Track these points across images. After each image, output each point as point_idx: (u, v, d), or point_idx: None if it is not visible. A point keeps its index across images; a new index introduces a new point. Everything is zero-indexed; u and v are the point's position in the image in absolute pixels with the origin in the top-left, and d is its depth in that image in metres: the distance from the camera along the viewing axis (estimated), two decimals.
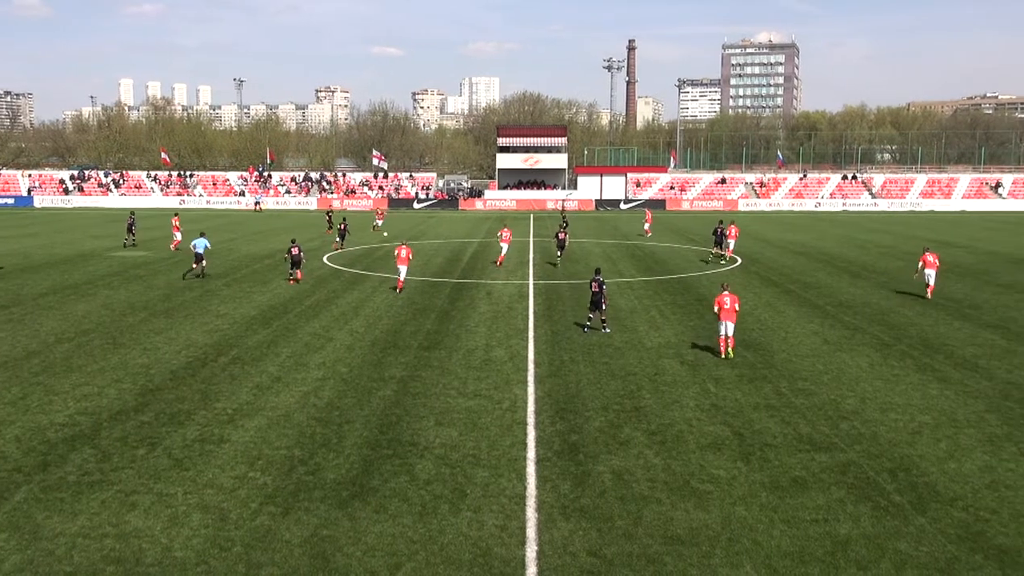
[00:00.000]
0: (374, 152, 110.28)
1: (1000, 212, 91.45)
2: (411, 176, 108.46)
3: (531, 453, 14.80)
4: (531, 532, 11.73)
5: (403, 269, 32.60)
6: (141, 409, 17.27)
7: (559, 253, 42.80)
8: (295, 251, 34.73)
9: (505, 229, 43.26)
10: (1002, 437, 15.72)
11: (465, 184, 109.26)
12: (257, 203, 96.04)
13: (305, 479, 13.56)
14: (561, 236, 43.33)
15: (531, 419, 16.72)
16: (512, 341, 23.80)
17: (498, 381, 19.56)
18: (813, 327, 25.86)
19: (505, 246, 41.69)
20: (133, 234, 51.42)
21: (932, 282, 31.23)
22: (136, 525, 11.89)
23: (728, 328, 21.87)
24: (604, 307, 24.92)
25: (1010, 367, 20.89)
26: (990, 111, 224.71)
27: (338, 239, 48.94)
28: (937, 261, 31.71)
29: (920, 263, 32.13)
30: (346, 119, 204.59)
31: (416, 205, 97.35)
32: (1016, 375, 20.12)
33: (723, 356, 21.71)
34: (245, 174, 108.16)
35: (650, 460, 14.49)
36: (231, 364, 21.05)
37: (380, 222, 63.67)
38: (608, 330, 24.84)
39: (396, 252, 33.39)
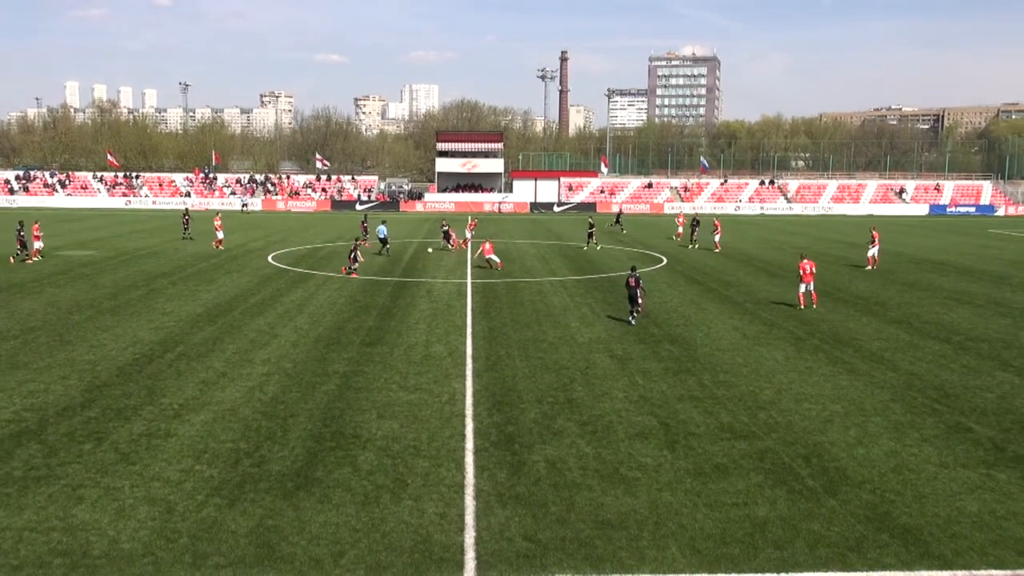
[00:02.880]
0: (317, 155, 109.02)
1: (903, 216, 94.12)
2: (353, 179, 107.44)
3: (469, 444, 14.79)
4: (469, 519, 11.72)
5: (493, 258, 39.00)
6: (88, 405, 16.81)
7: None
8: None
9: (486, 243, 41.24)
10: (906, 424, 16.19)
11: (406, 187, 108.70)
12: (244, 205, 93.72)
13: (250, 471, 13.35)
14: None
15: (469, 411, 16.71)
16: (451, 337, 23.75)
17: (438, 375, 19.50)
18: (733, 323, 26.31)
19: (493, 256, 39.61)
20: (188, 227, 54.28)
21: (812, 289, 28.95)
22: (83, 518, 11.57)
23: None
24: (640, 301, 25.60)
25: (913, 359, 21.52)
26: (895, 122, 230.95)
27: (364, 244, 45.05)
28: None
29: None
30: (290, 123, 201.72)
31: (358, 207, 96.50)
32: (918, 367, 20.73)
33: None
34: (191, 175, 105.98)
35: (582, 449, 14.59)
36: (177, 360, 20.61)
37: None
38: (634, 322, 25.46)
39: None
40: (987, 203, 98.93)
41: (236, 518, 11.63)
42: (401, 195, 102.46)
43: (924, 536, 11.34)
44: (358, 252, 37.20)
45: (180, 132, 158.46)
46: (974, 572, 10.42)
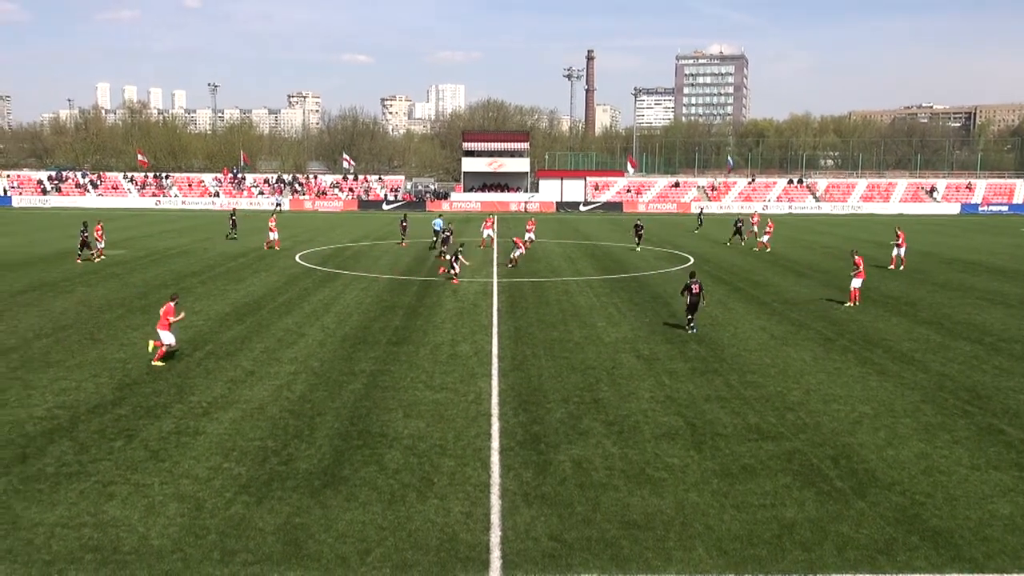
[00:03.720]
0: (344, 155, 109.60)
1: (934, 215, 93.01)
2: (380, 179, 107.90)
3: (495, 443, 14.81)
4: (495, 518, 11.74)
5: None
6: (118, 402, 17.02)
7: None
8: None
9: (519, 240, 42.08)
10: (936, 426, 16.00)
11: (432, 186, 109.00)
12: (278, 204, 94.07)
13: (278, 469, 13.45)
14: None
15: (495, 411, 16.73)
16: (477, 337, 23.78)
17: (464, 375, 19.53)
18: (761, 323, 26.12)
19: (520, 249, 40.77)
20: (235, 227, 55.18)
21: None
22: (113, 514, 11.72)
23: (857, 284, 28.70)
24: (700, 308, 24.40)
25: (944, 360, 21.27)
26: (925, 120, 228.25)
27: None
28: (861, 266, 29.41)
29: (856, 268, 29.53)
30: (317, 123, 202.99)
31: (385, 206, 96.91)
32: (949, 368, 20.49)
33: (852, 304, 28.14)
34: (219, 176, 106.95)
35: (608, 449, 14.56)
36: (206, 359, 20.80)
37: (531, 234, 50.63)
38: (695, 330, 24.24)
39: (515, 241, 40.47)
40: (1020, 202, 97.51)
41: (264, 515, 11.72)
42: (427, 195, 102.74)
43: (955, 539, 11.21)
44: (460, 256, 35.74)
45: (209, 132, 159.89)
46: None
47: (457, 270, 35.14)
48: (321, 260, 42.56)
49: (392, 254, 45.38)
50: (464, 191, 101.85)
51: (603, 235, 60.07)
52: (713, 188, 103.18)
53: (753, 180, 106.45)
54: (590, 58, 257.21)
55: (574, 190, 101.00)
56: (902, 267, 39.81)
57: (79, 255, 41.02)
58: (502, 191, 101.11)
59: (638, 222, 52.60)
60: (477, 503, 12.25)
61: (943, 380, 19.36)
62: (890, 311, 28.38)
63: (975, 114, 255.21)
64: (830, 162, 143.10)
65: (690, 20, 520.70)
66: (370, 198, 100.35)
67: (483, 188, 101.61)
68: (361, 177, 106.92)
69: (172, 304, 20.77)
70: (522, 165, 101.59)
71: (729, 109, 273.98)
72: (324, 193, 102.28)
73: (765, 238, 49.83)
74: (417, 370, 19.87)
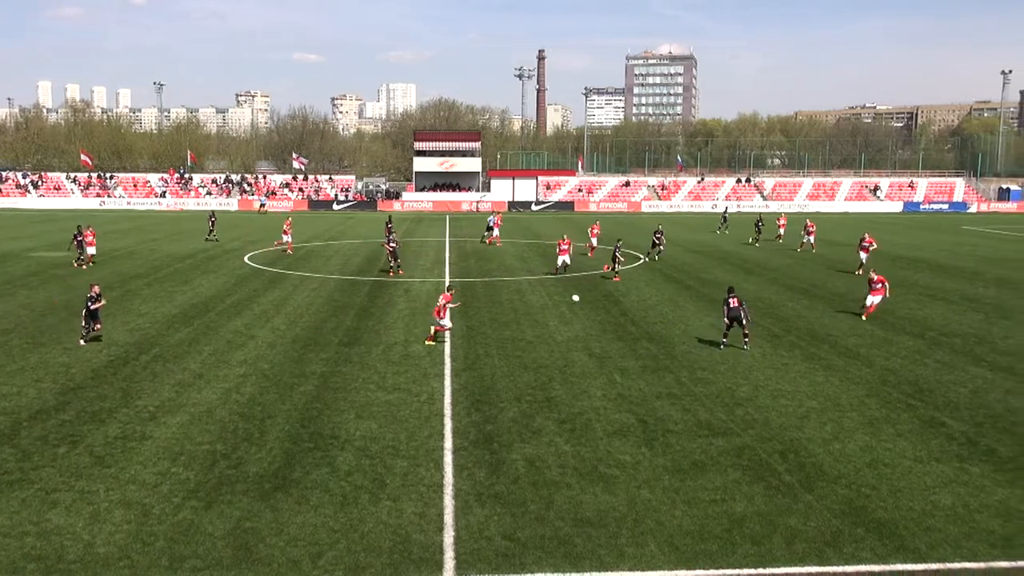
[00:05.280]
0: (294, 155, 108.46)
1: (878, 213, 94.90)
2: (331, 178, 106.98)
3: (448, 443, 14.78)
4: (448, 518, 11.72)
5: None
6: (62, 408, 16.64)
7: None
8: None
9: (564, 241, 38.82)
10: (881, 419, 16.34)
11: (383, 186, 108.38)
12: (262, 205, 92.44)
13: (227, 473, 13.27)
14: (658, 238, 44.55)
15: (448, 411, 16.70)
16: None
17: (416, 375, 19.46)
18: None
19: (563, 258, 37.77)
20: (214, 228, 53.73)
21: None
22: (57, 523, 11.46)
23: (875, 300, 26.57)
24: (747, 321, 22.07)
25: (887, 355, 21.73)
26: (869, 120, 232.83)
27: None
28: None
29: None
30: (266, 123, 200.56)
31: (336, 206, 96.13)
32: (893, 362, 20.94)
33: (864, 317, 26.39)
34: (166, 176, 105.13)
35: (561, 447, 14.62)
36: (152, 362, 20.44)
37: (496, 230, 53.41)
38: (748, 348, 22.13)
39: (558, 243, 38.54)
40: (960, 200, 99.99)
41: (213, 520, 11.56)
42: (379, 194, 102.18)
43: (899, 530, 11.46)
44: (618, 253, 36.65)
45: (155, 132, 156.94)
46: (948, 565, 10.54)
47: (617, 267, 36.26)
48: (270, 261, 42.08)
49: (343, 254, 45.04)
50: (416, 191, 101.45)
51: (555, 234, 60.20)
52: (663, 187, 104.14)
53: (702, 179, 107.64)
54: (541, 58, 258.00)
55: (526, 189, 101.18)
56: (859, 272, 37.92)
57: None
58: (454, 191, 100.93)
59: (660, 227, 46.57)
60: (430, 504, 12.22)
61: (887, 374, 19.78)
62: (835, 307, 28.91)
63: (917, 114, 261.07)
64: (777, 161, 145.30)
65: (640, 20, 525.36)
66: (320, 198, 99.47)
67: (435, 188, 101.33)
68: (311, 177, 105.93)
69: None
70: (474, 165, 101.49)
71: (679, 109, 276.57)
72: (273, 193, 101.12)
73: (811, 239, 48.82)
74: (369, 371, 19.75)
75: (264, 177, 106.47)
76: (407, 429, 15.54)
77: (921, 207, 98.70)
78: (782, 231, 55.52)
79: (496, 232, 53.22)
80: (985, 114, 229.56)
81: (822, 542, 11.11)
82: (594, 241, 45.90)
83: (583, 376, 19.48)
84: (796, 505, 12.25)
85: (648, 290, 32.69)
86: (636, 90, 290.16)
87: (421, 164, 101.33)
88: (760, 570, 10.39)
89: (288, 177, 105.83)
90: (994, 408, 17.12)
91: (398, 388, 18.32)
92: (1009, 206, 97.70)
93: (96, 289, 22.78)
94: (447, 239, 54.64)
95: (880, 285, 26.87)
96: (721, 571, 10.37)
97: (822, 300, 30.50)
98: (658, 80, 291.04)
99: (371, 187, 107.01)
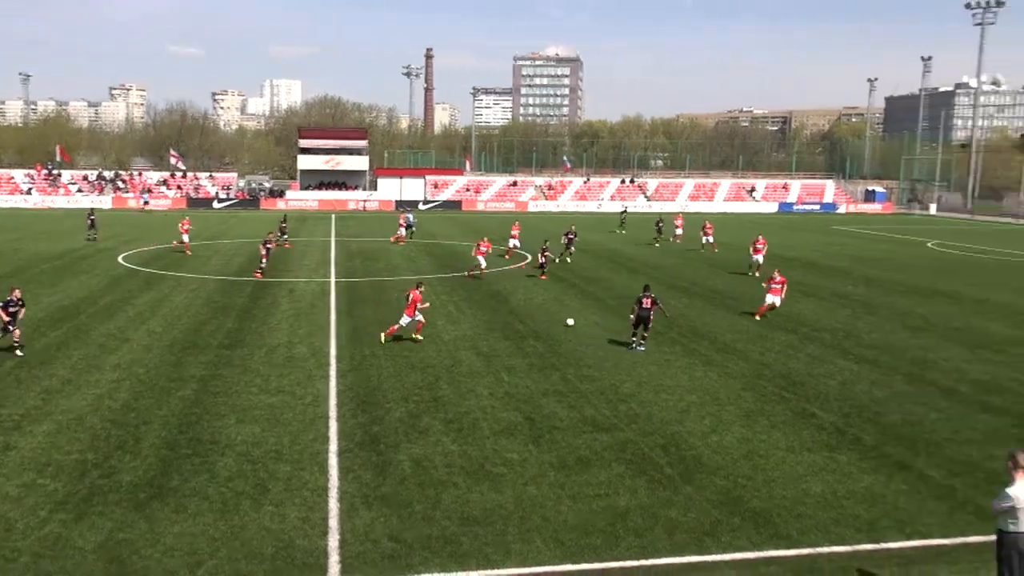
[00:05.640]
0: (171, 151, 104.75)
1: (755, 213, 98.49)
2: (211, 176, 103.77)
3: (333, 446, 14.58)
4: (333, 522, 11.56)
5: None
6: None
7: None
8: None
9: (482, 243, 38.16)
10: (756, 412, 16.99)
11: (267, 184, 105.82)
12: (145, 203, 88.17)
13: (99, 483, 12.72)
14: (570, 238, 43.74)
15: (333, 413, 16.47)
16: (314, 338, 23.32)
17: (300, 377, 19.11)
18: (596, 318, 26.92)
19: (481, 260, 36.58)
20: (93, 227, 50.31)
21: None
22: None
23: (773, 300, 27.06)
24: (650, 325, 22.30)
25: (763, 350, 22.59)
26: (746, 124, 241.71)
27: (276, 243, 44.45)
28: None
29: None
30: (142, 118, 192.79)
31: (216, 205, 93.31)
32: (767, 357, 21.79)
33: (758, 317, 26.83)
34: (32, 172, 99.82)
35: (448, 447, 14.62)
36: (17, 368, 19.39)
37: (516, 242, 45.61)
38: (643, 348, 22.26)
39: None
40: (830, 201, 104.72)
41: (83, 533, 11.06)
42: (262, 193, 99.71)
43: (773, 518, 11.94)
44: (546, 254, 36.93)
45: (20, 125, 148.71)
46: (818, 549, 11.05)
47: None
48: (146, 261, 40.51)
49: (224, 254, 43.77)
50: (301, 189, 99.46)
51: (442, 233, 60.19)
52: (550, 187, 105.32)
53: (588, 180, 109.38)
54: (429, 57, 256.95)
55: (413, 188, 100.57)
56: (756, 274, 37.87)
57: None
58: (340, 189, 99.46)
59: (571, 229, 45.63)
60: (314, 508, 12.02)
61: (762, 368, 20.57)
62: (715, 305, 29.89)
63: (790, 119, 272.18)
64: (660, 162, 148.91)
65: (529, 21, 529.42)
66: (200, 196, 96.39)
67: (320, 186, 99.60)
68: (191, 174, 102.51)
69: None
70: (360, 163, 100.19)
71: (565, 110, 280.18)
72: (150, 191, 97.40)
73: (710, 239, 49.47)
74: (251, 374, 19.28)
75: (140, 174, 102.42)
76: (291, 432, 15.24)
77: (794, 207, 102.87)
78: (679, 231, 56.93)
79: (402, 232, 52.88)
80: (853, 119, 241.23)
81: (701, 532, 11.47)
82: (516, 243, 45.00)
83: (470, 375, 19.53)
84: (677, 497, 12.61)
85: (535, 289, 33.03)
86: (523, 91, 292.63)
87: (306, 162, 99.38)
88: (642, 561, 10.65)
89: (166, 174, 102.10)
90: (860, 399, 18.03)
91: (282, 391, 17.94)
92: (875, 207, 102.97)
93: (17, 293, 21.12)
94: (333, 238, 53.82)
95: (779, 286, 27.53)
96: (605, 564, 10.58)
97: (702, 298, 31.47)
98: (545, 81, 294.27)
99: (254, 185, 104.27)
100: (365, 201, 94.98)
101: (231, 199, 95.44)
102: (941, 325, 26.65)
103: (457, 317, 26.81)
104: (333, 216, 79.14)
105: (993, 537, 9.70)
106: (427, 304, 23.94)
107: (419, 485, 12.90)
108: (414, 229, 54.79)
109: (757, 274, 37.65)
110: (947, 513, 12.23)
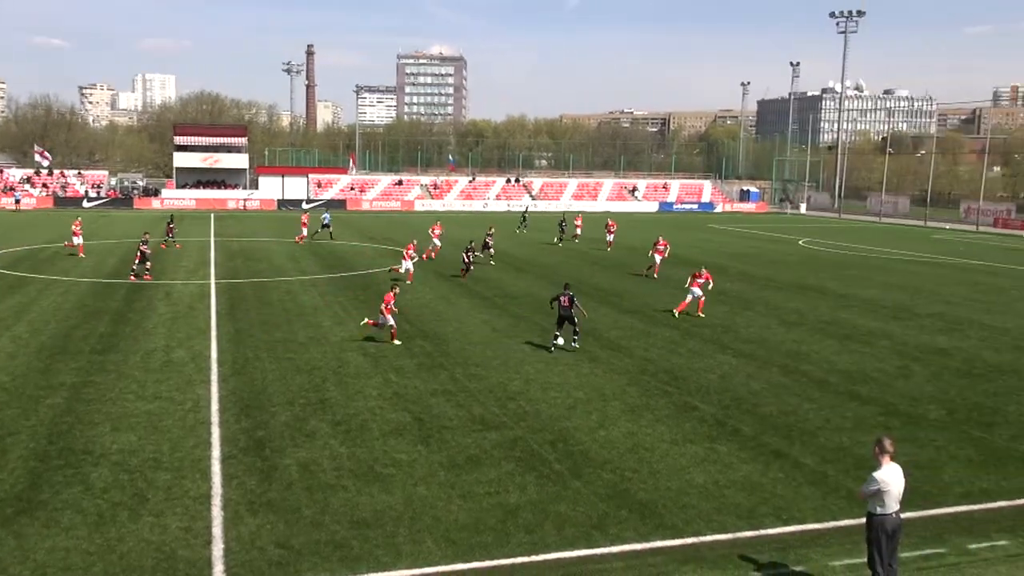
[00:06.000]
0: (36, 148, 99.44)
1: (636, 212, 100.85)
2: (80, 174, 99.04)
3: (216, 452, 14.16)
4: (217, 531, 11.22)
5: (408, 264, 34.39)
6: None
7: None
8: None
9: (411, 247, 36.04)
10: (641, 407, 17.40)
11: (140, 183, 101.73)
12: (17, 201, 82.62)
13: None
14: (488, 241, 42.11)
15: (215, 418, 15.99)
16: (194, 341, 22.58)
17: (180, 382, 18.47)
18: (483, 317, 27.02)
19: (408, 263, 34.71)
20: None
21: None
22: None
23: (696, 292, 27.39)
24: (577, 321, 22.13)
25: (646, 346, 23.15)
26: (627, 124, 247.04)
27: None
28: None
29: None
30: (3, 112, 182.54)
31: (86, 204, 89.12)
32: (651, 352, 22.34)
33: (678, 315, 27.12)
34: None
35: (336, 449, 14.41)
36: None
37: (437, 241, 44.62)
38: (577, 345, 22.15)
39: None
40: (708, 201, 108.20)
41: None
42: (135, 191, 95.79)
43: (658, 509, 12.26)
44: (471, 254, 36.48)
45: None
46: (701, 538, 11.40)
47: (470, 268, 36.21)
48: (10, 263, 38.35)
49: (96, 255, 41.86)
50: (177, 188, 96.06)
51: (326, 233, 59.15)
52: (436, 186, 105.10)
53: (473, 179, 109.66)
54: (310, 53, 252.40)
55: (296, 187, 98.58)
56: (655, 275, 38.12)
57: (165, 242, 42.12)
58: (219, 188, 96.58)
59: (490, 230, 44.10)
60: (197, 517, 11.64)
61: (646, 364, 21.08)
62: (599, 302, 30.44)
63: (669, 120, 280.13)
64: (544, 162, 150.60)
65: (412, 20, 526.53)
66: (68, 195, 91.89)
67: (198, 185, 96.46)
68: (57, 172, 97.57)
69: None
70: (240, 161, 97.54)
71: (450, 109, 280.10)
72: (12, 189, 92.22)
73: (610, 237, 50.33)
74: (127, 380, 18.52)
75: (1, 172, 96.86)
76: (170, 439, 14.72)
77: (674, 207, 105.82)
78: (579, 231, 57.59)
79: (305, 232, 51.89)
80: (728, 122, 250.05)
81: (590, 525, 11.66)
82: (437, 242, 43.75)
83: (358, 376, 19.30)
84: (566, 492, 12.79)
85: (422, 288, 32.89)
86: (408, 89, 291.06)
87: (182, 159, 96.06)
88: (533, 557, 10.75)
89: (30, 172, 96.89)
90: (738, 391, 18.70)
91: (159, 397, 17.30)
92: (749, 206, 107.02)
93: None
94: (212, 239, 52.23)
95: (702, 280, 27.75)
96: (496, 562, 10.63)
97: (586, 295, 31.97)
98: (429, 80, 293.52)
99: (127, 183, 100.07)
100: (246, 200, 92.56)
101: (102, 198, 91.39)
102: (812, 319, 27.91)
103: (344, 318, 26.44)
104: (212, 215, 76.80)
105: (862, 520, 10.23)
106: (395, 309, 23.38)
107: (307, 489, 12.67)
108: (331, 228, 53.60)
109: (655, 275, 37.67)
110: (820, 498, 12.82)
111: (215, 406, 16.77)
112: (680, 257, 46.86)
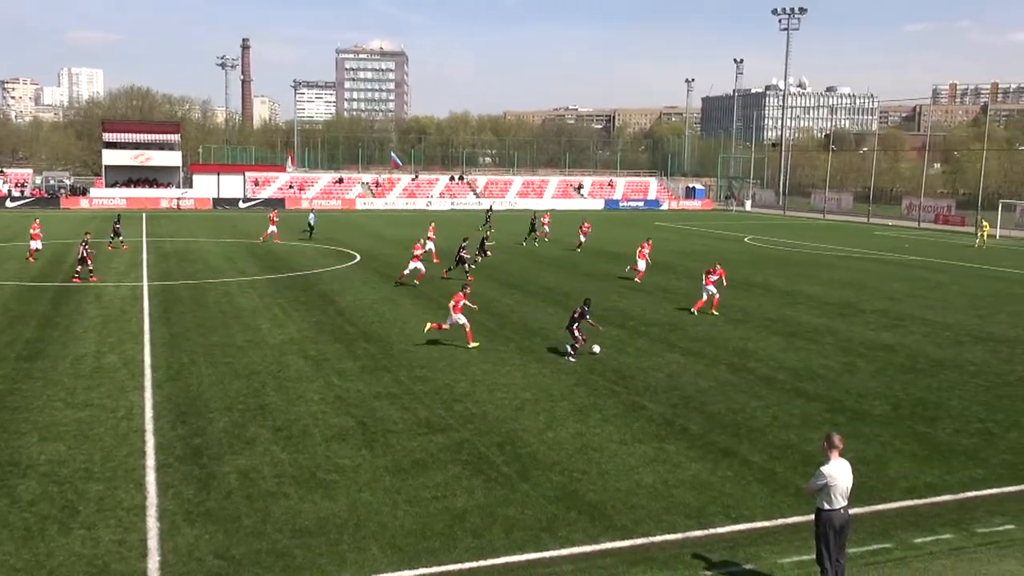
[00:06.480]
0: None
1: (582, 210, 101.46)
2: (2, 172, 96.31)
3: (150, 461, 13.87)
4: (152, 543, 10.99)
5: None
6: None
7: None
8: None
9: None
10: (589, 406, 17.50)
11: (67, 181, 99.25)
12: None
13: None
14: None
15: (149, 426, 15.67)
16: (126, 346, 22.10)
17: (111, 389, 18.06)
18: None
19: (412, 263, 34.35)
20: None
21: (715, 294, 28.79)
22: None
23: (708, 291, 28.03)
24: (578, 335, 21.61)
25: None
26: (572, 121, 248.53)
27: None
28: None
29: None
30: None
31: (9, 203, 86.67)
32: (599, 352, 22.45)
33: (696, 312, 27.85)
34: None
35: (277, 456, 14.22)
36: None
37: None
38: (573, 359, 21.44)
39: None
40: (653, 198, 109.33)
41: None
42: (62, 191, 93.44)
43: (607, 510, 12.33)
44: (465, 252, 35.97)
45: None
46: (651, 539, 11.50)
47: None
48: None
49: (20, 258, 40.71)
50: (106, 186, 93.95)
51: (265, 233, 58.36)
52: (377, 184, 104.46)
53: (416, 176, 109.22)
54: (245, 47, 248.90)
55: (232, 186, 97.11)
56: (630, 270, 37.77)
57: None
58: (151, 187, 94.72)
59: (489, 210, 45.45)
60: (131, 528, 11.39)
61: (594, 363, 21.20)
62: (546, 302, 30.54)
63: (614, 117, 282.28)
64: (488, 159, 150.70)
65: (350, 14, 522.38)
66: None
67: (128, 183, 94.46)
68: None
69: None
70: (173, 159, 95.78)
71: (391, 105, 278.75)
72: None
73: (582, 238, 49.97)
74: (55, 387, 18.04)
75: None
76: (102, 449, 14.38)
77: (620, 204, 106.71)
78: (546, 228, 57.33)
79: (274, 229, 51.13)
80: (673, 119, 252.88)
81: (539, 528, 11.69)
82: (431, 245, 42.40)
83: (299, 380, 19.08)
84: (514, 495, 12.80)
85: (365, 289, 32.66)
86: (347, 84, 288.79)
87: (112, 157, 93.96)
88: (481, 562, 10.73)
89: None
90: (686, 390, 18.92)
91: (90, 404, 16.89)
92: (695, 203, 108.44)
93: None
94: (144, 239, 51.20)
95: (715, 277, 28.36)
96: (443, 567, 10.60)
97: (534, 295, 32.09)
98: (370, 75, 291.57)
99: (53, 182, 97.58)
100: (180, 199, 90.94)
101: (27, 198, 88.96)
102: (758, 316, 28.36)
103: (283, 320, 26.13)
104: (144, 215, 75.30)
105: (811, 517, 10.42)
106: (475, 305, 23.79)
107: (247, 498, 12.48)
108: (313, 229, 53.66)
109: (630, 271, 37.20)
110: (769, 496, 13.03)
111: (149, 413, 16.44)
112: (628, 255, 47.20)
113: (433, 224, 46.14)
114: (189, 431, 15.43)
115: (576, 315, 21.84)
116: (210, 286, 32.91)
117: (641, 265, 37.00)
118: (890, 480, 13.77)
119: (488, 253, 41.44)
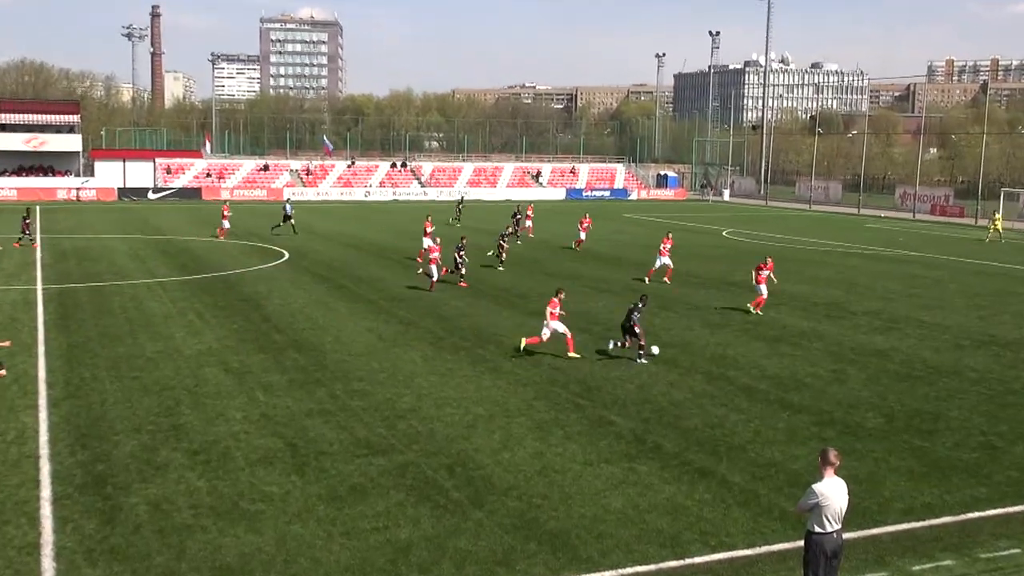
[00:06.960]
0: None
1: (541, 200, 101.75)
2: None
3: (46, 492, 13.62)
4: None
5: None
6: None
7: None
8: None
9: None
10: (550, 422, 17.53)
11: None
12: None
13: None
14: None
15: (44, 451, 15.39)
16: (16, 359, 21.65)
17: (0, 409, 17.70)
18: (367, 324, 26.78)
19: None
20: None
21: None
22: None
23: (760, 291, 29.31)
24: (637, 332, 22.43)
25: (555, 353, 23.34)
26: (529, 101, 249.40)
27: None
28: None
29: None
30: None
31: None
32: (560, 361, 22.53)
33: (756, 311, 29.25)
34: None
35: (193, 484, 14.04)
36: None
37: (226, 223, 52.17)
38: (642, 361, 22.28)
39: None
40: (621, 187, 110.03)
41: None
42: None
43: (571, 539, 12.35)
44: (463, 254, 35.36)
45: None
46: (621, 571, 11.54)
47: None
48: None
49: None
50: None
51: (180, 228, 57.77)
52: (308, 172, 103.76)
53: (353, 163, 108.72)
54: (155, 15, 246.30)
55: (141, 174, 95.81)
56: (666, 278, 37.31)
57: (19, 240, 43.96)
58: (46, 175, 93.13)
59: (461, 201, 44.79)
60: (23, 570, 11.17)
61: (555, 374, 21.26)
62: (501, 304, 30.57)
63: (576, 96, 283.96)
64: (435, 144, 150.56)
65: None
66: None
67: (20, 171, 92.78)
68: None
69: None
70: (71, 143, 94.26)
71: (324, 82, 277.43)
72: None
73: (582, 235, 49.50)
74: None
75: None
76: None
77: (584, 194, 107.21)
78: (529, 223, 56.44)
79: (227, 225, 51.66)
80: (642, 98, 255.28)
81: (493, 562, 11.67)
82: (427, 241, 40.59)
83: (219, 396, 18.88)
84: (466, 524, 12.76)
85: (294, 291, 32.41)
86: (273, 58, 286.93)
87: (0, 142, 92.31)
88: None
89: None
90: (659, 402, 19.04)
91: None
92: (667, 193, 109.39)
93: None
94: (38, 236, 50.29)
95: (766, 272, 29.75)
96: None
97: (488, 297, 32.08)
98: (299, 48, 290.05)
99: None
100: (79, 189, 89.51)
101: None
102: (738, 319, 28.66)
103: (200, 327, 25.82)
104: (38, 208, 73.98)
105: (798, 543, 10.53)
106: (563, 312, 23.63)
107: (158, 532, 12.30)
108: (292, 221, 53.28)
109: (648, 279, 36.83)
110: (751, 520, 13.15)
111: (44, 436, 16.15)
112: (589, 251, 47.43)
113: (430, 216, 44.39)
114: (91, 456, 15.17)
115: (632, 310, 22.80)
116: (115, 289, 32.43)
117: (667, 261, 37.30)
118: (884, 500, 13.97)
119: (507, 244, 41.83)
